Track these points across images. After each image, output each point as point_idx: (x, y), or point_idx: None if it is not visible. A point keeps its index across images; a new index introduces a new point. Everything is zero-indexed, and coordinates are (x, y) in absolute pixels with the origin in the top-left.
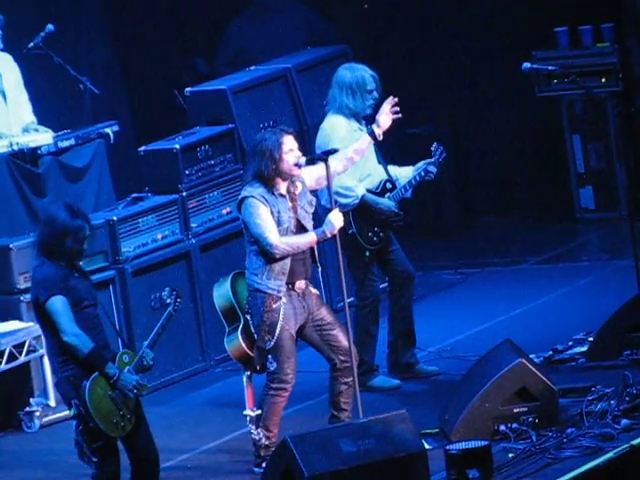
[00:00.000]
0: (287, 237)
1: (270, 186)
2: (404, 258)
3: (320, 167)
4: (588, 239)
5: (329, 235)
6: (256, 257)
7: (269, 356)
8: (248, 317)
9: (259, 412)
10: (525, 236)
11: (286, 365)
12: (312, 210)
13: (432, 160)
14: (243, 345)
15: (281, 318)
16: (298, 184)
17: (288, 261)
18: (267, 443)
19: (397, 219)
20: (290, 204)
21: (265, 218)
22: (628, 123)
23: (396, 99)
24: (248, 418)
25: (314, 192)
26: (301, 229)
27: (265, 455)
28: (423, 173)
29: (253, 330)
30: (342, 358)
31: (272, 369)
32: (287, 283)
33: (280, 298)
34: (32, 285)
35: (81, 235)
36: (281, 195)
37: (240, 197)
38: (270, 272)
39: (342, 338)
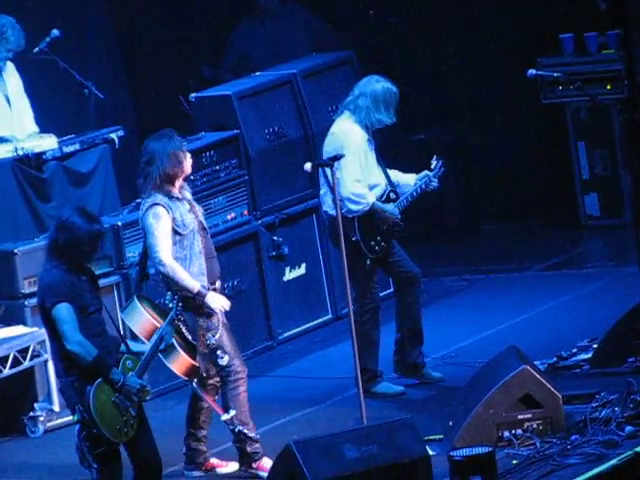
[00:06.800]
0: (178, 265)
1: (168, 190)
2: (407, 259)
3: None
4: (593, 246)
5: (206, 302)
6: None
7: (217, 352)
8: (181, 325)
9: (234, 412)
10: (529, 243)
11: (234, 354)
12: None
13: (432, 174)
14: (186, 357)
15: (217, 311)
16: (186, 193)
17: (203, 261)
18: (250, 435)
19: (398, 228)
20: (188, 207)
21: (164, 232)
22: (633, 130)
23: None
24: (228, 423)
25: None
26: (203, 230)
27: (254, 450)
28: (424, 186)
29: (189, 336)
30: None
31: (224, 363)
32: (209, 283)
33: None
34: (39, 289)
35: (98, 240)
36: (178, 199)
37: (145, 207)
38: (190, 275)
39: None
